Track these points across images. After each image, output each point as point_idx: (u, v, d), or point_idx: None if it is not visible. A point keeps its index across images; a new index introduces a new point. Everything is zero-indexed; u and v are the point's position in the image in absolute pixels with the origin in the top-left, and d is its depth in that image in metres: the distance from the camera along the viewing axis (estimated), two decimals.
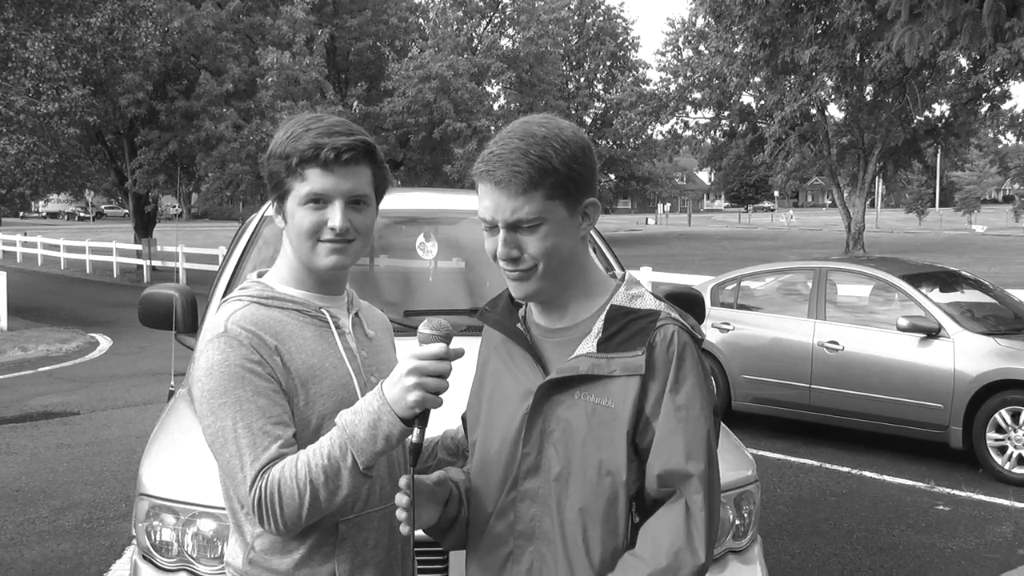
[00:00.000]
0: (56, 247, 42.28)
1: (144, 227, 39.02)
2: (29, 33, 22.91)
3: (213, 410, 2.26)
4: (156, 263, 35.45)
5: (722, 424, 4.84)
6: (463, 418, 2.56)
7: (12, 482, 9.14)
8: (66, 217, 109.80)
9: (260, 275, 2.53)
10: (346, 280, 2.55)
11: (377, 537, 2.42)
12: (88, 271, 38.56)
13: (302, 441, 2.28)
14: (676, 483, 2.13)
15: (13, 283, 22.75)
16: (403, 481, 2.20)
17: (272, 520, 2.20)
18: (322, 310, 2.45)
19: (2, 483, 9.07)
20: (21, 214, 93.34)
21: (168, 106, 34.63)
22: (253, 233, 5.64)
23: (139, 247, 36.76)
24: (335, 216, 2.33)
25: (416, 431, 2.16)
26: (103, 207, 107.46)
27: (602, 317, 2.23)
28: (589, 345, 2.20)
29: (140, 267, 36.06)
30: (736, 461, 4.30)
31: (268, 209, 5.90)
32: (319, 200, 2.33)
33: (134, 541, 4.09)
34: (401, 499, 2.19)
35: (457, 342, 3.93)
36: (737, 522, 4.10)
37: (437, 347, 2.15)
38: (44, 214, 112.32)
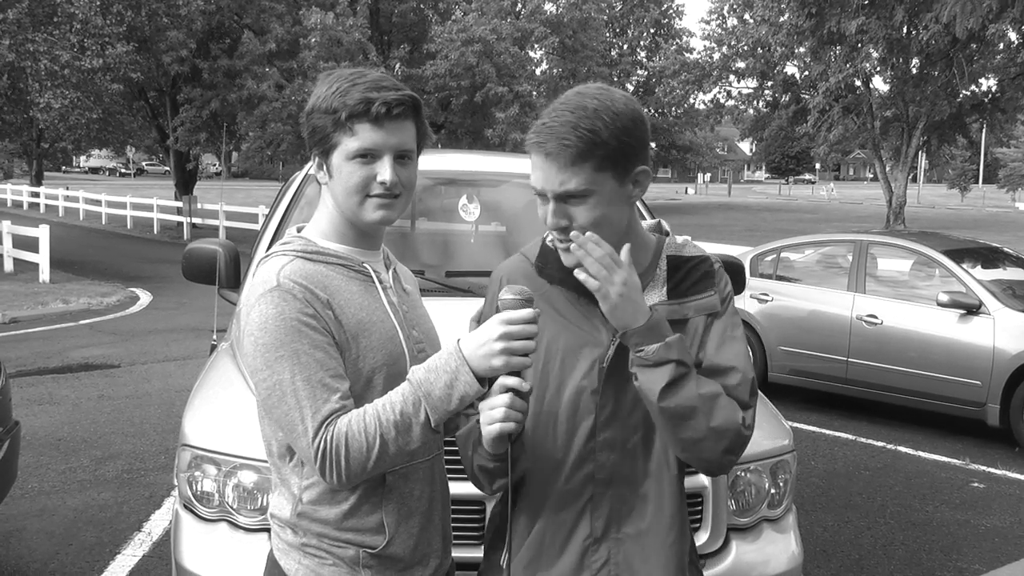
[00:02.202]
0: (98, 202, 42.61)
1: (185, 184, 39.27)
2: None
3: (269, 363, 2.25)
4: (196, 220, 35.67)
5: (759, 393, 4.85)
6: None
7: (55, 431, 9.28)
8: (107, 173, 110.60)
9: (299, 230, 2.52)
10: (381, 234, 2.55)
11: (422, 488, 2.45)
12: (129, 227, 38.89)
13: (355, 393, 2.29)
14: (718, 376, 2.30)
15: (55, 237, 22.98)
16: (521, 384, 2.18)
17: (335, 471, 2.21)
18: (365, 265, 2.45)
19: (45, 432, 9.21)
20: (63, 169, 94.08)
21: (211, 64, 34.75)
22: (296, 192, 5.67)
23: (180, 204, 37.01)
24: (385, 170, 2.33)
25: (517, 379, 2.16)
26: (144, 164, 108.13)
27: (662, 268, 2.35)
28: (658, 294, 2.32)
29: (180, 224, 36.30)
30: (773, 430, 4.30)
31: (311, 168, 5.93)
32: (368, 155, 2.33)
33: (174, 491, 4.15)
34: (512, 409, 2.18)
35: None
36: (773, 491, 4.11)
37: (526, 312, 2.15)
38: (86, 169, 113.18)
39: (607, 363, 2.31)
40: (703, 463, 2.32)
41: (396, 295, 2.51)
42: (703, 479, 3.80)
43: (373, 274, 2.46)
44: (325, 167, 2.38)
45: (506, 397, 2.15)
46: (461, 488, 3.67)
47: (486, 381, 2.17)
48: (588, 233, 2.17)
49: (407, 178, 2.39)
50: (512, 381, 2.15)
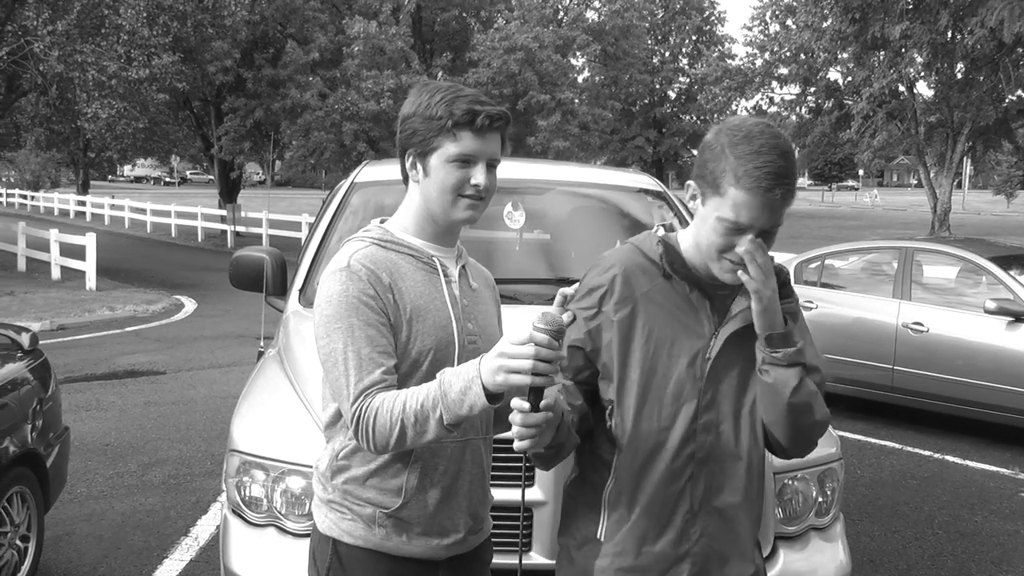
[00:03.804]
0: (143, 211, 42.98)
1: (229, 193, 39.60)
2: (122, 0, 23.25)
3: (329, 333, 2.53)
4: (240, 228, 35.92)
5: None
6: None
7: (102, 437, 9.38)
8: (151, 182, 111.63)
9: (382, 221, 2.76)
10: (458, 233, 2.76)
11: (447, 464, 2.65)
12: (174, 235, 39.20)
13: (402, 372, 2.55)
14: (809, 375, 2.54)
15: (101, 245, 23.21)
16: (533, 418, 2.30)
17: (364, 438, 2.47)
18: (433, 258, 2.69)
19: (93, 437, 9.30)
20: (109, 178, 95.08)
21: (255, 74, 35.03)
22: (342, 200, 5.69)
23: (223, 212, 37.30)
24: (479, 175, 2.59)
25: (528, 405, 2.27)
26: (188, 172, 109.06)
27: None
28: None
29: (224, 232, 36.58)
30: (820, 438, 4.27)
31: (357, 176, 5.96)
32: (467, 160, 2.58)
33: (221, 496, 4.18)
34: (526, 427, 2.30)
35: (541, 311, 3.84)
36: (820, 499, 4.08)
37: (540, 337, 2.25)
38: (131, 178, 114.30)
39: (712, 355, 2.56)
40: (802, 449, 2.64)
41: (460, 289, 2.72)
42: None
43: (439, 266, 2.69)
44: (421, 166, 2.64)
45: (516, 416, 2.28)
46: (506, 494, 3.69)
47: (500, 396, 2.33)
48: (757, 240, 2.41)
49: (492, 184, 2.65)
50: (516, 403, 2.27)
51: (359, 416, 2.45)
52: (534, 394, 2.28)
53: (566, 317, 2.30)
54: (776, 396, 2.48)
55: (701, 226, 2.48)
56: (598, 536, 2.65)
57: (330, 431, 2.69)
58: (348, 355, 2.50)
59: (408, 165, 2.67)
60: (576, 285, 2.62)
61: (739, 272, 2.42)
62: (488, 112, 2.56)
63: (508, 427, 2.50)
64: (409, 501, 2.61)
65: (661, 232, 2.66)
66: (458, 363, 2.55)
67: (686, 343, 2.57)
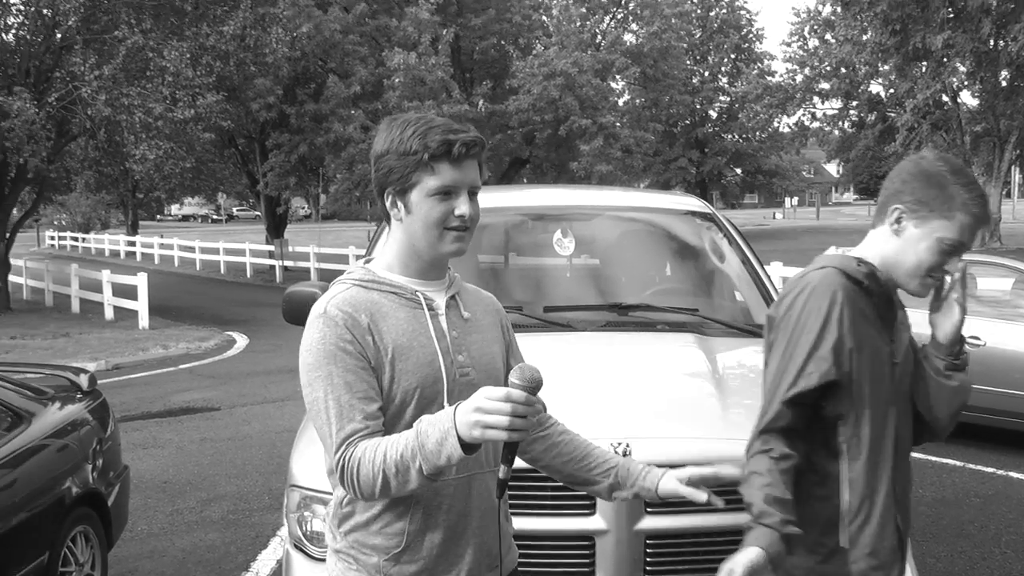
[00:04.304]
0: (192, 248, 43.40)
1: (276, 228, 39.90)
2: (166, 43, 23.56)
3: (310, 382, 2.53)
4: (288, 263, 36.19)
5: None
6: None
7: (160, 474, 9.46)
8: (199, 220, 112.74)
9: (367, 261, 2.74)
10: (446, 266, 2.73)
11: (451, 503, 2.60)
12: (223, 271, 39.55)
13: (391, 412, 2.53)
14: None
15: (152, 284, 23.46)
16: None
17: (350, 488, 2.46)
18: (417, 293, 2.64)
19: (151, 475, 9.39)
20: (157, 217, 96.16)
21: (298, 109, 35.33)
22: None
23: (271, 248, 37.60)
24: (463, 205, 2.55)
25: (503, 467, 2.36)
26: (234, 209, 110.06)
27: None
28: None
29: (272, 267, 36.86)
30: None
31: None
32: (448, 192, 2.54)
33: (280, 531, 4.20)
34: None
35: (595, 337, 3.86)
36: None
37: (517, 394, 2.28)
38: (179, 217, 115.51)
39: (899, 360, 2.88)
40: (947, 432, 3.06)
41: (447, 321, 2.67)
42: None
43: (423, 301, 2.64)
44: (402, 204, 2.58)
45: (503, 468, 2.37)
46: (568, 523, 3.68)
47: (478, 446, 2.33)
48: (962, 264, 2.77)
49: (476, 212, 2.61)
50: (500, 472, 2.38)
51: (343, 466, 2.44)
52: (508, 449, 2.33)
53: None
54: (958, 396, 2.88)
55: (911, 246, 2.76)
56: (842, 544, 2.81)
57: (333, 478, 2.64)
58: (329, 403, 2.48)
59: (388, 204, 2.62)
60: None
61: (950, 289, 2.78)
62: (463, 140, 2.52)
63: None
64: (411, 544, 2.57)
65: (854, 253, 2.90)
66: (448, 397, 2.55)
67: (883, 351, 2.84)
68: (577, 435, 2.91)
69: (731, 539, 3.69)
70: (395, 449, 2.37)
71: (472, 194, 2.58)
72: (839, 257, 2.87)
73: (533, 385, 2.30)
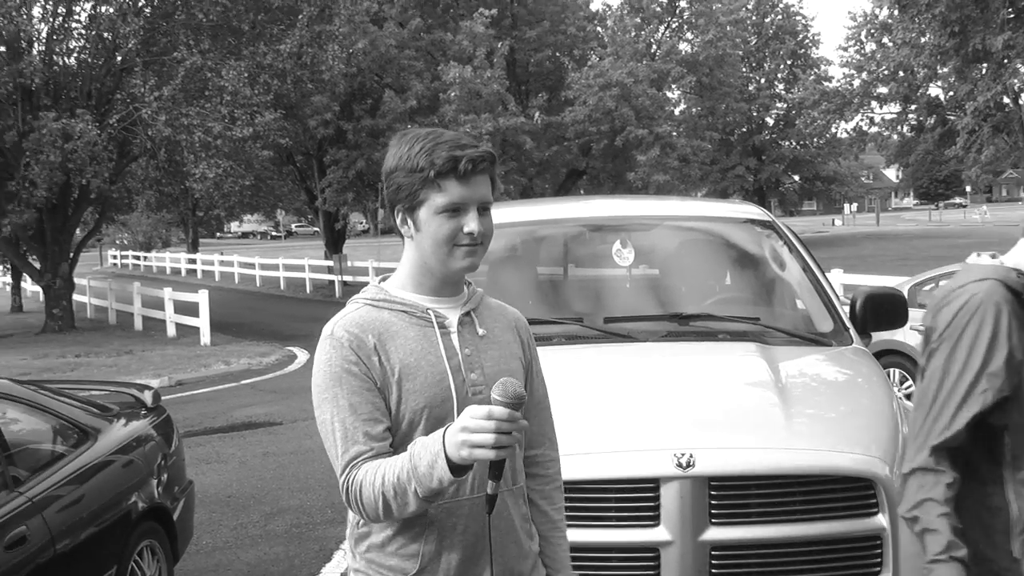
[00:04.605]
0: (251, 265, 43.75)
1: (334, 243, 40.20)
2: (224, 62, 23.86)
3: (319, 404, 2.55)
4: (347, 278, 36.39)
5: None
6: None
7: (224, 488, 9.55)
8: (258, 236, 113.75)
9: (383, 279, 2.72)
10: (463, 282, 2.69)
11: (467, 523, 2.55)
12: (282, 287, 39.85)
13: (401, 432, 2.52)
14: None
15: (213, 300, 23.72)
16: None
17: (357, 511, 2.48)
18: (429, 311, 2.61)
19: (215, 489, 9.48)
20: (217, 235, 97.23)
21: (355, 125, 35.58)
22: None
23: (330, 263, 37.85)
24: (471, 222, 2.50)
25: (491, 483, 2.34)
26: (293, 226, 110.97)
27: None
28: None
29: (332, 282, 37.09)
30: None
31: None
32: (456, 209, 2.50)
33: (344, 544, 4.20)
34: None
35: (656, 348, 3.88)
36: None
37: (498, 411, 2.25)
38: (238, 234, 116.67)
39: None
40: None
41: (460, 338, 2.62)
42: (881, 521, 3.71)
43: (434, 319, 2.60)
44: (411, 221, 2.56)
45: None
46: (632, 535, 3.65)
47: (467, 468, 2.32)
48: None
49: (488, 227, 2.57)
50: (488, 487, 2.36)
51: (348, 489, 2.46)
52: (494, 467, 2.31)
53: None
54: None
55: None
56: (1016, 555, 2.66)
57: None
58: (335, 426, 2.49)
59: (399, 221, 2.60)
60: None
61: None
62: (470, 156, 2.48)
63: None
64: (427, 566, 2.54)
65: (1009, 263, 2.81)
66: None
67: None
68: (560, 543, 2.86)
69: (798, 551, 3.66)
70: (392, 472, 2.37)
71: (483, 210, 2.54)
72: (998, 268, 2.77)
73: (516, 400, 2.27)
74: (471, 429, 2.24)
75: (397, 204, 2.57)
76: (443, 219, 2.50)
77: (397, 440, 2.50)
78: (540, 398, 2.84)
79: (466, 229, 2.50)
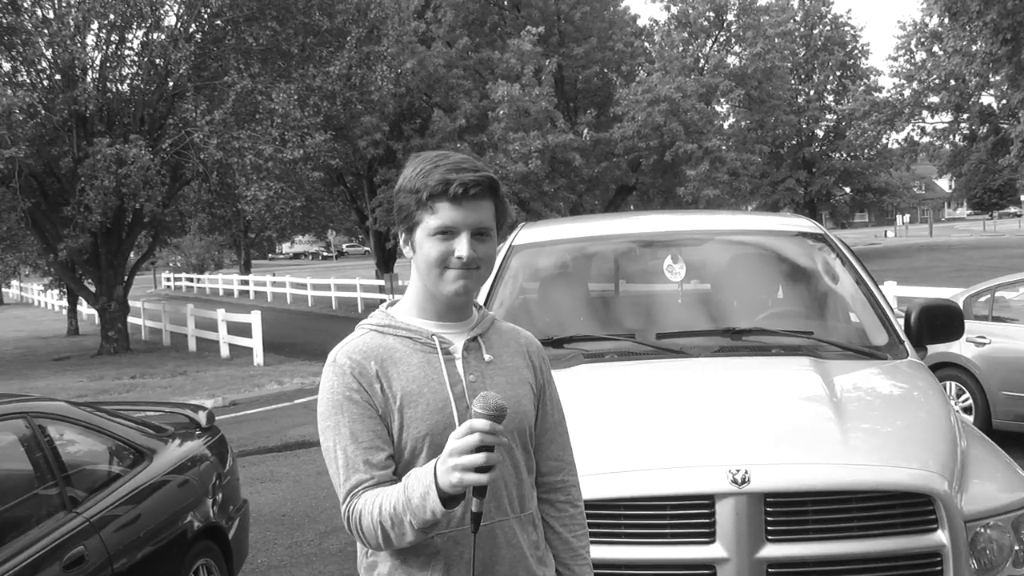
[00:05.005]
0: (303, 285, 44.03)
1: (385, 263, 40.38)
2: (274, 85, 24.10)
3: (322, 431, 2.56)
4: (399, 297, 36.48)
5: (991, 442, 4.62)
6: None
7: (279, 507, 9.59)
8: (310, 257, 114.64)
9: (391, 305, 2.73)
10: (469, 307, 2.67)
11: (473, 551, 2.51)
12: (334, 307, 40.05)
13: (404, 460, 2.51)
14: None
15: (266, 321, 23.86)
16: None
17: (359, 539, 2.49)
18: (433, 337, 2.60)
19: (270, 508, 9.53)
20: (269, 256, 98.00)
21: (404, 145, 35.76)
22: (501, 264, 5.74)
23: (381, 282, 38.00)
24: (462, 246, 2.49)
25: (475, 501, 2.30)
26: (344, 246, 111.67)
27: None
28: None
29: (383, 302, 37.22)
30: (1009, 482, 4.09)
31: (515, 239, 6.01)
32: (447, 232, 2.50)
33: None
34: None
35: (709, 363, 3.85)
36: (1017, 547, 3.88)
37: (480, 423, 2.25)
38: (290, 255, 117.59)
39: None
40: None
41: (464, 365, 2.60)
42: (941, 537, 3.64)
43: (438, 345, 2.59)
44: (410, 243, 2.59)
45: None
46: (687, 552, 3.62)
47: (459, 499, 2.30)
48: None
49: (485, 253, 2.55)
50: (473, 505, 2.31)
51: (348, 517, 2.47)
52: (478, 489, 2.28)
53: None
54: None
55: None
56: None
57: None
58: (337, 454, 2.50)
59: (401, 242, 2.63)
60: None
61: None
62: (461, 180, 2.46)
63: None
64: None
65: None
66: None
67: None
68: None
69: (856, 568, 3.61)
70: (389, 503, 2.37)
71: (478, 234, 2.52)
72: None
73: (497, 413, 2.26)
74: (455, 451, 2.24)
75: (400, 225, 2.61)
76: (435, 241, 2.51)
77: (400, 467, 2.50)
78: (555, 423, 2.80)
79: (456, 254, 2.50)
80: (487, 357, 2.64)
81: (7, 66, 24.77)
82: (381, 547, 2.45)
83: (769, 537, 3.58)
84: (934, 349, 5.88)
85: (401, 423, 2.51)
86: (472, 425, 2.24)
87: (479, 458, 2.21)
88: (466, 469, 2.22)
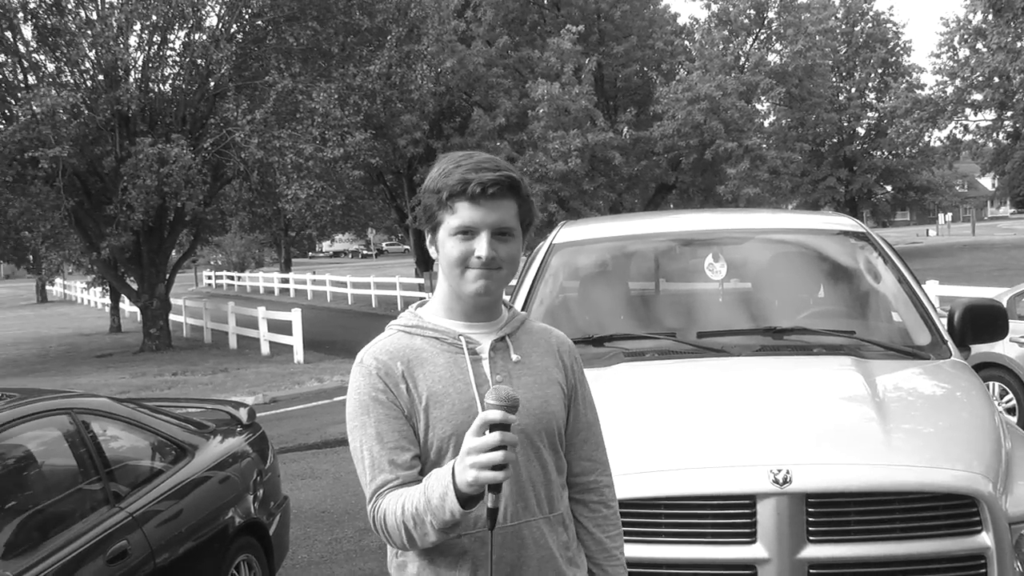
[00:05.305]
0: (343, 284, 44.17)
1: (425, 261, 40.42)
2: (314, 85, 24.20)
3: (350, 431, 2.58)
4: (428, 297, 36.61)
5: None
6: None
7: (319, 504, 9.64)
8: (349, 255, 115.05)
9: (419, 305, 2.74)
10: (497, 307, 2.67)
11: (500, 553, 2.52)
12: (374, 305, 40.15)
13: (430, 460, 2.51)
14: None
15: (306, 319, 23.97)
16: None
17: (384, 539, 2.50)
18: (460, 337, 2.60)
19: (310, 505, 9.57)
20: (309, 254, 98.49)
21: (444, 143, 35.83)
22: (542, 263, 5.73)
23: (421, 281, 38.10)
24: (481, 246, 2.50)
25: (490, 496, 2.29)
26: (383, 244, 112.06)
27: None
28: None
29: (423, 300, 37.34)
30: None
31: (555, 237, 6.01)
32: (467, 232, 2.51)
33: None
34: None
35: (750, 362, 3.78)
36: None
37: (493, 414, 2.25)
38: (330, 253, 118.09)
39: None
40: None
41: (491, 365, 2.60)
42: (985, 539, 3.60)
43: (465, 345, 2.59)
44: (434, 243, 2.61)
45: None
46: (728, 552, 3.61)
47: (476, 500, 2.29)
48: None
49: (507, 253, 2.55)
50: (489, 501, 2.29)
51: (374, 517, 2.49)
52: (493, 485, 2.27)
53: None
54: None
55: None
56: None
57: None
58: (364, 454, 2.52)
59: (427, 242, 2.64)
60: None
61: None
62: (480, 180, 2.47)
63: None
64: None
65: None
66: None
67: None
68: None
69: (898, 570, 3.57)
70: (411, 503, 2.38)
71: (499, 234, 2.53)
72: None
73: (509, 403, 2.26)
74: (473, 448, 2.24)
75: (424, 224, 2.63)
76: (456, 241, 2.52)
77: (426, 468, 2.50)
78: (589, 423, 2.78)
79: (476, 253, 2.51)
80: (515, 357, 2.64)
81: (52, 67, 25.04)
82: (406, 547, 2.47)
83: (811, 538, 3.56)
84: (977, 349, 5.84)
85: (427, 423, 2.52)
86: (485, 417, 2.24)
87: (496, 456, 2.21)
88: (482, 467, 2.22)
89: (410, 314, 2.70)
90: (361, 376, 2.57)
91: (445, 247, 2.54)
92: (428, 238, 2.62)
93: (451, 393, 2.53)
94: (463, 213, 2.50)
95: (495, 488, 2.28)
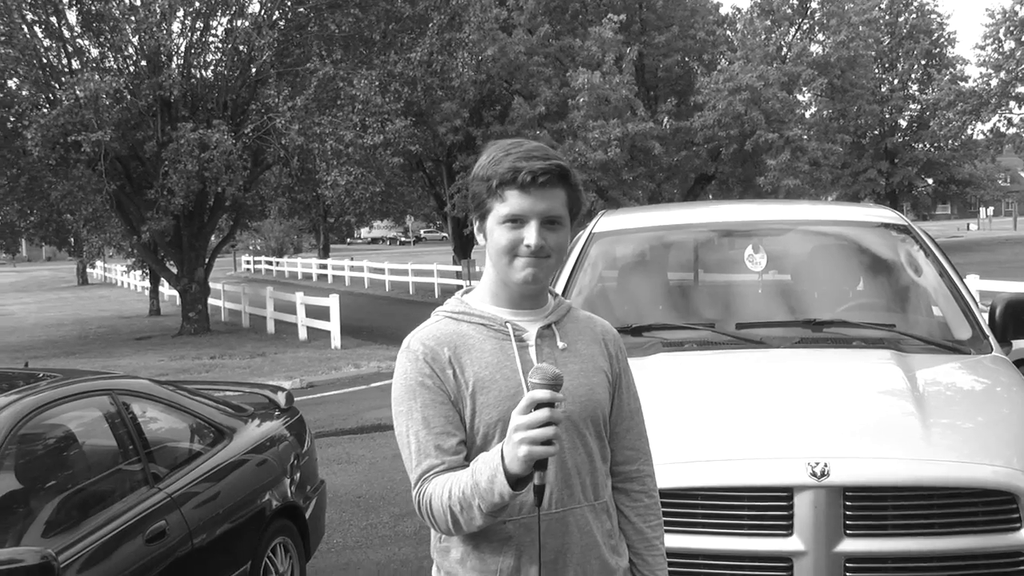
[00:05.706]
0: (381, 270, 44.27)
1: (463, 249, 40.54)
2: (355, 72, 24.23)
3: (396, 416, 2.59)
4: (475, 284, 36.67)
5: None
6: None
7: (355, 489, 9.69)
8: (387, 242, 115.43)
9: (466, 292, 2.74)
10: (543, 295, 2.67)
11: (545, 539, 2.51)
12: (411, 292, 40.28)
13: (476, 446, 2.52)
14: None
15: (344, 305, 24.07)
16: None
17: (430, 523, 2.52)
18: (507, 324, 2.61)
19: (346, 490, 9.62)
20: (347, 240, 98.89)
21: (484, 131, 35.84)
22: (581, 252, 5.73)
23: (459, 268, 38.17)
24: (531, 234, 2.50)
25: (537, 474, 2.28)
26: (422, 231, 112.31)
27: None
28: None
29: (460, 288, 37.37)
30: None
31: (595, 227, 6.00)
32: (517, 220, 2.51)
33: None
34: None
35: (789, 354, 3.72)
36: None
37: (540, 393, 2.25)
38: (368, 240, 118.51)
39: None
40: None
41: (538, 352, 2.60)
42: None
43: (511, 332, 2.59)
44: (482, 231, 2.61)
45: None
46: (764, 544, 3.60)
47: (526, 481, 2.29)
48: None
49: (555, 242, 2.55)
50: (536, 478, 2.29)
51: (419, 502, 2.49)
52: (539, 463, 2.27)
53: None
54: None
55: None
56: None
57: None
58: (410, 439, 2.53)
59: (475, 229, 2.64)
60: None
61: None
62: (530, 168, 2.47)
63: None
64: None
65: None
66: None
67: None
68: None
69: (936, 565, 3.55)
70: (458, 487, 2.39)
71: (548, 223, 2.52)
72: None
73: (555, 382, 2.27)
74: (521, 425, 2.25)
75: (473, 212, 2.62)
76: (504, 229, 2.52)
77: (472, 453, 2.51)
78: (632, 412, 2.78)
79: (525, 242, 2.50)
80: (561, 344, 2.64)
81: (95, 52, 25.25)
82: (451, 532, 2.48)
83: (848, 531, 3.54)
84: (1019, 345, 5.78)
85: (473, 409, 2.53)
86: (533, 396, 2.25)
87: (547, 431, 2.22)
88: (533, 442, 2.23)
89: (457, 300, 2.71)
90: (408, 361, 2.57)
91: (494, 235, 2.54)
92: (476, 225, 2.62)
93: (498, 379, 2.54)
94: (513, 201, 2.50)
95: (541, 465, 2.29)
